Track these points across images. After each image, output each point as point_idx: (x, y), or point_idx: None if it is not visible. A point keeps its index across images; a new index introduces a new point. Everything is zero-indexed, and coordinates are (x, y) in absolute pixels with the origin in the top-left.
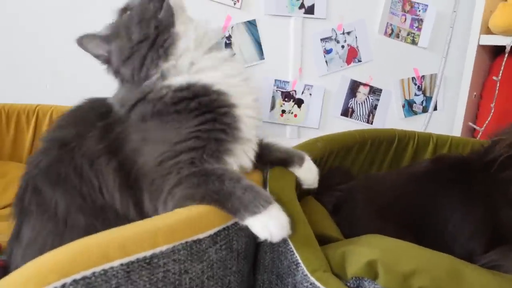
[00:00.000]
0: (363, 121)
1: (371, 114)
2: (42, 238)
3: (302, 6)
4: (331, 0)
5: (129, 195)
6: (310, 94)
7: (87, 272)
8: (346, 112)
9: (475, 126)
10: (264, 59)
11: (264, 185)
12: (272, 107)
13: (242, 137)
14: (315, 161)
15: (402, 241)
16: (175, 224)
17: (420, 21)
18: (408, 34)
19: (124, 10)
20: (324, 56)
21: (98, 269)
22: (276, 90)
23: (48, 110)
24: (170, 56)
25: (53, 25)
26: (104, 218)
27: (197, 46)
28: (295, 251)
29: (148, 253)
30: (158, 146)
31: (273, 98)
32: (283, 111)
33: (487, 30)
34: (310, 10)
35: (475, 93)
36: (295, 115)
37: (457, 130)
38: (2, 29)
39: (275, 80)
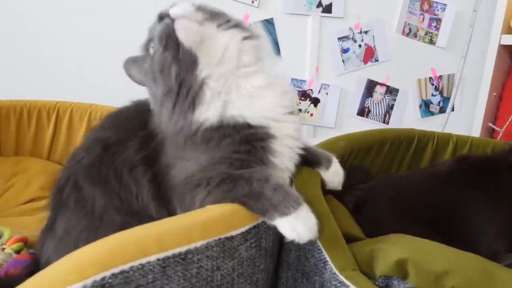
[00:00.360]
0: (379, 121)
1: (387, 114)
2: (76, 232)
3: (319, 4)
4: None
5: (163, 205)
6: (327, 93)
7: (125, 266)
8: (362, 111)
9: (495, 127)
10: (281, 57)
11: (291, 183)
12: None
13: (277, 167)
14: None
15: (430, 241)
16: (209, 221)
17: (439, 20)
18: (426, 34)
19: (149, 41)
20: (341, 55)
21: (135, 263)
22: (293, 89)
23: (68, 107)
24: (199, 106)
25: (77, 23)
26: (139, 219)
27: (227, 80)
28: (323, 249)
29: (183, 248)
30: (190, 164)
31: None
32: (299, 110)
33: (508, 30)
34: (327, 9)
35: (494, 94)
36: (311, 114)
37: (476, 131)
38: (26, 27)
39: (292, 79)
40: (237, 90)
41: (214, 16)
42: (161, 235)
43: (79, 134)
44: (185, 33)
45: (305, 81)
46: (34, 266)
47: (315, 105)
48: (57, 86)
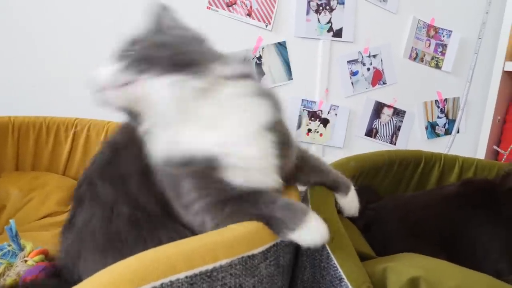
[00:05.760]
0: (387, 142)
1: (394, 135)
2: (93, 223)
3: (330, 29)
4: (358, 25)
5: (168, 208)
6: (336, 114)
7: (157, 283)
8: (370, 132)
9: (500, 150)
10: (292, 79)
11: (304, 201)
12: (299, 126)
13: (248, 191)
14: None
15: (441, 260)
16: (234, 240)
17: (444, 46)
18: (432, 58)
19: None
20: (350, 78)
21: (166, 280)
22: (303, 110)
23: (86, 124)
24: (150, 147)
25: (96, 42)
26: (145, 213)
27: (171, 125)
28: (338, 266)
29: (209, 266)
30: (173, 192)
31: (300, 117)
32: (309, 130)
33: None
34: (338, 34)
35: (499, 117)
36: (321, 134)
37: (481, 153)
38: (44, 46)
39: (302, 100)
40: (183, 126)
41: (144, 61)
42: (190, 253)
43: (95, 150)
44: (114, 102)
45: (315, 102)
46: (51, 270)
47: (325, 126)
48: (75, 102)
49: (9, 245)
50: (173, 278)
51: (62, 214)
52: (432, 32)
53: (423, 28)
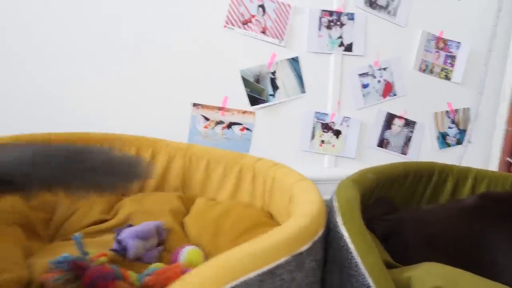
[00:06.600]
0: (398, 152)
1: (405, 146)
2: None
3: (341, 44)
4: (368, 39)
5: None
6: (348, 126)
7: (237, 281)
8: (382, 143)
9: None
10: (305, 92)
11: (332, 212)
12: (312, 137)
13: None
14: (366, 192)
15: (460, 270)
16: (289, 239)
17: (453, 57)
18: (441, 70)
19: None
20: (361, 90)
21: (247, 277)
22: (316, 122)
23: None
24: None
25: (133, 58)
26: None
27: None
28: (366, 275)
29: (273, 264)
30: None
31: (314, 129)
32: (322, 141)
33: None
34: (349, 48)
35: (510, 129)
36: (333, 145)
37: (494, 164)
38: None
39: (315, 112)
40: None
41: None
42: (259, 254)
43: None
44: None
45: (327, 114)
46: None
47: (337, 137)
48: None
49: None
50: (251, 275)
51: (104, 222)
52: (441, 44)
53: (432, 40)
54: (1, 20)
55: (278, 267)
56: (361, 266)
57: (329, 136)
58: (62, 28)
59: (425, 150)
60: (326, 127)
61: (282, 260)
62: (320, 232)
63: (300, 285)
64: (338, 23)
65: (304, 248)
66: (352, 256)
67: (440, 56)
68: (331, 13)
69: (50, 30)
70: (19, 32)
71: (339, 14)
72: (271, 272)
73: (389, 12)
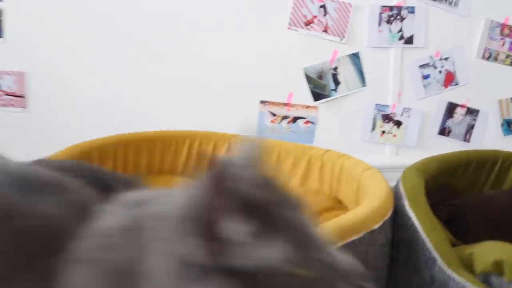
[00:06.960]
0: (461, 140)
1: (468, 133)
2: None
3: (401, 37)
4: (429, 30)
5: None
6: (409, 116)
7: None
8: (443, 131)
9: None
10: (365, 86)
11: (397, 196)
12: (373, 128)
13: None
14: (429, 179)
15: None
16: (365, 217)
17: None
18: (507, 57)
19: None
20: (422, 81)
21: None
22: (377, 113)
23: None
24: None
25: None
26: None
27: None
28: (432, 249)
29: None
30: None
31: (374, 120)
32: (383, 132)
33: None
34: (409, 40)
35: None
36: (394, 135)
37: None
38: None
39: (376, 104)
40: None
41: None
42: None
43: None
44: None
45: (388, 105)
46: None
47: (398, 127)
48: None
49: None
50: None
51: None
52: (506, 31)
53: (496, 27)
54: (93, 32)
55: (356, 240)
56: (428, 242)
57: (389, 126)
58: (146, 34)
59: (489, 137)
60: (387, 118)
61: (361, 234)
62: (389, 213)
63: (375, 257)
64: (398, 17)
65: (377, 225)
66: (419, 235)
67: (506, 43)
68: (391, 8)
69: (130, 37)
70: (103, 41)
71: (399, 8)
72: (354, 243)
73: (450, 3)
